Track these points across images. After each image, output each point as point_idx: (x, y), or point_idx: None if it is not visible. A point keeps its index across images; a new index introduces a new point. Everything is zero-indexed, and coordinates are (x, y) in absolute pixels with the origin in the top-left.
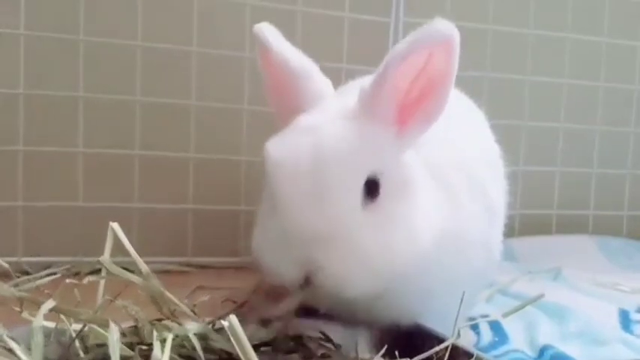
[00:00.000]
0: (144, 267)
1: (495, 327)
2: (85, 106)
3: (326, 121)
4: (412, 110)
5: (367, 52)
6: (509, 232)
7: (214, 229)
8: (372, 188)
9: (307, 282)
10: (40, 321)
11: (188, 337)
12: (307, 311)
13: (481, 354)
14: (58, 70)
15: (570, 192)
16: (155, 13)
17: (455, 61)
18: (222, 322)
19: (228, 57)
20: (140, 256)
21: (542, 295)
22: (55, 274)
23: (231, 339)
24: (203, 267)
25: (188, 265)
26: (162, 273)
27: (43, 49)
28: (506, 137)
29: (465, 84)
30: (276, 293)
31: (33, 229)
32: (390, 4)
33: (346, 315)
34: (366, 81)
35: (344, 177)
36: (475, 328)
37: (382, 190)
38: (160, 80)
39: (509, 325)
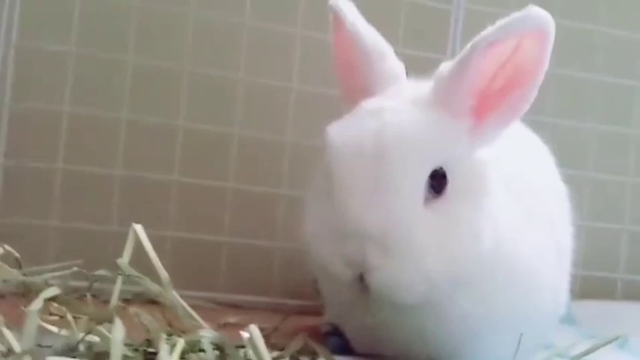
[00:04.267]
0: (164, 274)
1: None
2: (128, 128)
3: (393, 107)
4: (493, 102)
5: (426, 40)
6: (569, 294)
7: (248, 264)
8: (438, 183)
9: (361, 280)
10: (38, 305)
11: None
12: (343, 348)
13: None
14: (102, 90)
15: (639, 254)
16: (204, 39)
17: (547, 52)
18: (242, 332)
19: (275, 87)
20: None
21: (618, 337)
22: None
23: (250, 351)
24: (233, 305)
25: (216, 302)
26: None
27: (90, 68)
28: (568, 189)
29: None
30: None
31: (64, 251)
32: None
33: (385, 355)
34: (444, 67)
35: (407, 168)
36: None
37: (449, 186)
38: (205, 106)
39: None
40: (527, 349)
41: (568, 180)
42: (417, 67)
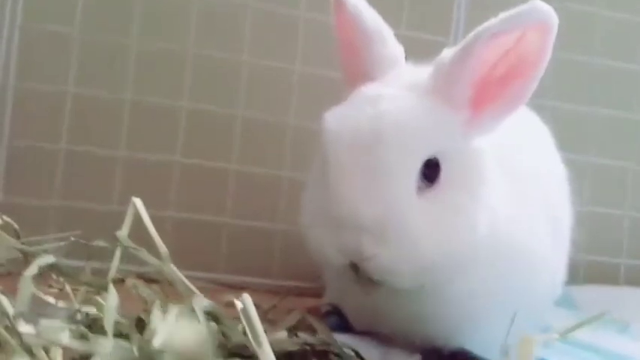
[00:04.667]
0: (163, 249)
1: None
2: (132, 109)
3: (390, 93)
4: (493, 91)
5: (430, 23)
6: (572, 279)
7: (249, 246)
8: (430, 172)
9: (354, 269)
10: (33, 271)
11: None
12: (342, 327)
13: None
14: (106, 71)
15: None
16: (207, 21)
17: (550, 44)
18: (236, 300)
19: (278, 68)
20: None
21: (606, 312)
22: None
23: (242, 320)
24: (232, 287)
25: (216, 283)
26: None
27: (95, 49)
28: (569, 174)
29: None
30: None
31: (65, 231)
32: None
33: (384, 333)
34: (445, 54)
35: (401, 156)
36: None
37: (443, 175)
38: (208, 88)
39: None
40: (524, 330)
41: (569, 165)
42: (420, 50)
